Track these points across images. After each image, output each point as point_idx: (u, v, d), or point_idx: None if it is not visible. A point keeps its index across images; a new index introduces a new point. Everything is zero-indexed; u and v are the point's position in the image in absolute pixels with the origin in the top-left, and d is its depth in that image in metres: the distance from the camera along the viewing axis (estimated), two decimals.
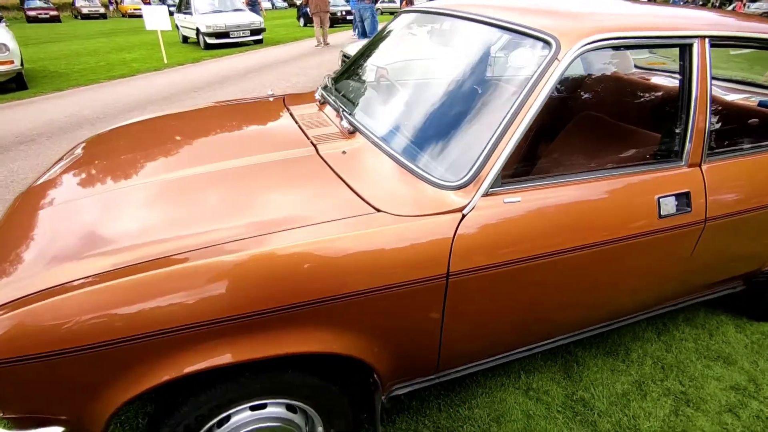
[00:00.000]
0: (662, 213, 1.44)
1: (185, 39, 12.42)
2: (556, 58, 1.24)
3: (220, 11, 11.38)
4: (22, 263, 1.10)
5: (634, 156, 1.59)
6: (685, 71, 1.48)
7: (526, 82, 1.25)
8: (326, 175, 1.36)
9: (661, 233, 1.46)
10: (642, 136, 1.66)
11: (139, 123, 2.02)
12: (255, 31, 11.54)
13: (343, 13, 16.94)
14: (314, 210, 1.19)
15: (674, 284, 1.71)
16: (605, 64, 2.30)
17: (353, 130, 1.58)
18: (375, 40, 2.31)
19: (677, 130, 1.50)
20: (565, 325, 1.59)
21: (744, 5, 19.09)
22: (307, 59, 9.55)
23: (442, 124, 1.43)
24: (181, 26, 12.29)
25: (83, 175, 1.53)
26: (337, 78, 2.25)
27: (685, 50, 1.46)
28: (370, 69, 2.07)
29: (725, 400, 1.81)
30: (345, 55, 4.87)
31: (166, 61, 9.10)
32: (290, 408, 1.26)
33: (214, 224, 1.14)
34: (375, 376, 1.25)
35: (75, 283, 0.98)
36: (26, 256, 1.13)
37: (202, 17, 10.99)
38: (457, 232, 1.17)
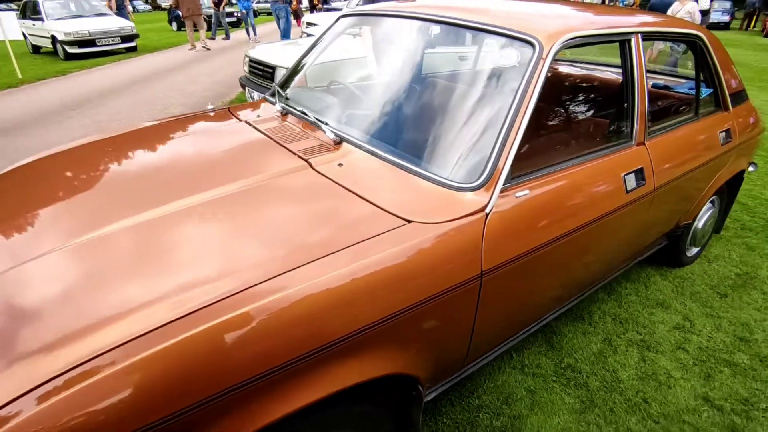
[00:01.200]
0: (628, 188, 1.64)
1: (36, 49, 10.79)
2: (542, 57, 1.34)
3: (80, 16, 10.07)
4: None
5: (599, 141, 1.77)
6: (626, 63, 1.68)
7: (520, 81, 1.33)
8: (335, 191, 1.31)
9: (628, 206, 1.65)
10: (599, 124, 1.86)
11: (65, 153, 1.72)
12: (126, 38, 10.42)
13: (237, 14, 16.03)
14: (345, 230, 1.14)
15: (631, 249, 1.95)
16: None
17: (339, 141, 1.53)
18: (320, 43, 2.25)
19: (626, 115, 1.71)
20: (559, 301, 1.73)
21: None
22: (195, 66, 8.87)
23: (444, 128, 1.46)
24: (30, 34, 10.63)
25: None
26: (284, 85, 2.16)
27: (625, 45, 1.66)
28: (327, 75, 2.01)
29: (673, 339, 2.12)
30: (253, 61, 4.63)
31: (20, 76, 7.83)
32: None
33: (258, 263, 1.03)
34: (419, 387, 1.25)
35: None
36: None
37: (58, 23, 9.62)
38: (485, 231, 1.21)
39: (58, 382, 0.78)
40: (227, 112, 2.07)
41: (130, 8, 13.70)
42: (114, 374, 0.80)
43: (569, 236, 1.42)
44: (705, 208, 2.45)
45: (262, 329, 0.91)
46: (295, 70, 2.26)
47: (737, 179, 2.55)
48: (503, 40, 1.42)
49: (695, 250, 2.66)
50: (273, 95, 2.11)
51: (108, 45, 10.01)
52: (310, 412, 1.05)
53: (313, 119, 1.68)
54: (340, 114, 1.74)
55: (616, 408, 1.76)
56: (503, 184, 1.27)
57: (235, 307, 0.91)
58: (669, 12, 7.29)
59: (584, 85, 2.54)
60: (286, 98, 2.00)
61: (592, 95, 2.44)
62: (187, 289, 0.96)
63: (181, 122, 1.99)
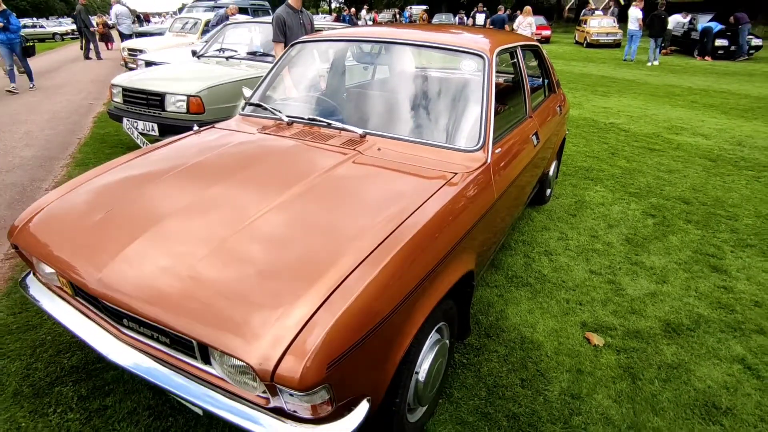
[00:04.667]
0: (534, 144, 2.54)
1: None
2: (490, 63, 2.11)
3: None
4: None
5: (518, 117, 2.59)
6: (517, 65, 2.59)
7: (483, 79, 2.07)
8: (390, 167, 1.84)
9: (535, 156, 2.56)
10: (514, 105, 2.71)
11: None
12: None
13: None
14: (419, 187, 1.69)
15: (534, 187, 2.91)
16: None
17: (364, 135, 2.05)
18: (279, 64, 2.65)
19: (523, 98, 2.62)
20: (512, 219, 2.54)
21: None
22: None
23: (442, 114, 2.11)
24: None
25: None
26: (258, 100, 2.48)
27: (515, 53, 2.57)
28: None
29: (560, 245, 3.17)
30: (131, 90, 4.48)
31: None
32: (438, 330, 1.75)
33: (378, 219, 1.48)
34: (473, 281, 1.87)
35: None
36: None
37: None
38: (492, 173, 1.92)
39: (344, 288, 1.20)
40: (221, 128, 2.34)
41: None
42: (371, 282, 1.24)
43: (520, 175, 2.23)
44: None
45: (417, 249, 1.42)
46: (265, 88, 2.60)
47: (563, 142, 3.81)
48: (463, 54, 2.16)
49: (548, 191, 3.86)
50: (251, 109, 2.45)
51: None
52: (436, 308, 1.60)
53: (325, 122, 2.15)
54: (350, 115, 2.24)
55: (548, 289, 2.67)
56: (491, 146, 1.99)
57: (400, 240, 1.40)
58: (516, 24, 10.60)
59: (501, 83, 3.47)
60: (276, 110, 2.36)
61: (504, 89, 3.40)
62: (361, 235, 1.41)
63: (223, 148, 2.09)
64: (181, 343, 1.28)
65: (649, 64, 13.44)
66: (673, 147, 5.46)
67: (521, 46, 2.65)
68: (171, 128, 4.34)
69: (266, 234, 1.43)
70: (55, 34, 28.30)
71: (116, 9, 13.51)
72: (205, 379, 1.29)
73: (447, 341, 1.78)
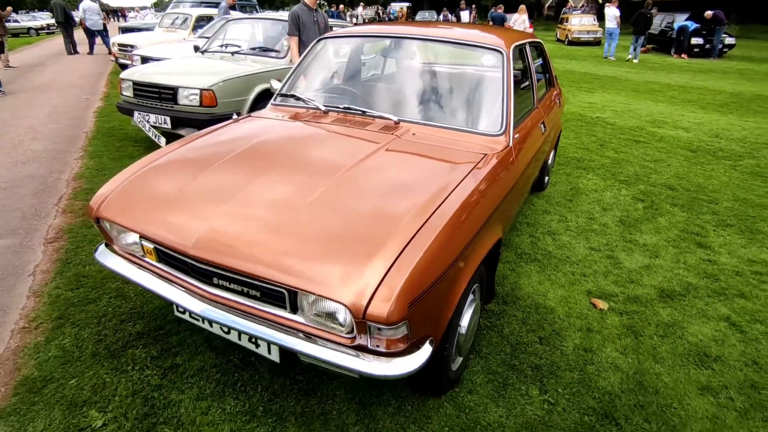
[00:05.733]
0: (543, 131, 2.81)
1: None
2: (508, 58, 2.36)
3: None
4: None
5: (528, 107, 2.85)
6: (525, 61, 2.85)
7: (502, 72, 2.32)
8: (428, 149, 2.08)
9: (543, 143, 2.83)
10: (527, 94, 2.97)
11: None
12: None
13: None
14: (458, 164, 1.94)
15: (539, 171, 3.18)
16: None
17: (398, 121, 2.29)
18: (306, 59, 2.85)
19: (531, 91, 2.88)
20: (523, 200, 2.81)
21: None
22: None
23: (467, 103, 2.36)
24: None
25: None
26: (290, 91, 2.69)
27: (524, 49, 2.83)
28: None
29: (561, 226, 3.46)
30: (141, 84, 4.60)
31: None
32: (473, 291, 1.99)
33: (428, 192, 1.72)
34: (500, 247, 2.13)
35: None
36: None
37: None
38: (513, 154, 2.18)
39: (408, 251, 1.43)
40: (260, 117, 2.54)
41: None
42: (433, 241, 1.48)
43: (533, 157, 2.50)
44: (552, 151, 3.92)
45: (462, 218, 1.66)
46: (290, 80, 2.80)
47: (559, 133, 4.11)
48: (485, 50, 2.41)
49: (546, 178, 4.15)
50: (282, 99, 2.66)
51: None
52: (476, 269, 1.84)
53: (360, 111, 2.37)
54: (381, 104, 2.46)
55: (554, 264, 2.95)
56: (512, 130, 2.25)
57: (450, 210, 1.64)
58: (511, 20, 11.64)
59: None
60: (311, 100, 2.56)
61: (516, 81, 3.67)
62: (417, 203, 1.64)
63: (286, 132, 2.30)
64: (270, 295, 1.50)
65: (630, 57, 13.97)
66: (657, 139, 5.83)
67: (529, 42, 2.92)
68: (183, 121, 4.49)
69: (337, 202, 1.65)
70: (30, 28, 27.58)
71: (84, 4, 13.36)
72: (291, 327, 1.51)
73: (479, 301, 2.03)
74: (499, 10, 13.48)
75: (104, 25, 14.29)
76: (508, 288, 2.67)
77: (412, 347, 1.46)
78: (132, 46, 9.33)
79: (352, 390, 1.92)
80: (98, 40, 14.16)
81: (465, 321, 1.85)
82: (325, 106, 2.49)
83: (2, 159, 4.50)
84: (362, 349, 1.43)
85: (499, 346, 2.21)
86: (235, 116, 2.62)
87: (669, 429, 1.79)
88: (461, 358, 1.95)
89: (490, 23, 14.36)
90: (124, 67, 9.98)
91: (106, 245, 1.97)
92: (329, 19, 5.22)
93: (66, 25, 14.06)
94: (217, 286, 1.60)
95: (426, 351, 1.48)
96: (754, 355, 2.19)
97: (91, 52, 13.88)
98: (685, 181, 4.43)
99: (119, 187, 1.88)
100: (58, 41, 15.62)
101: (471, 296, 1.91)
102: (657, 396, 1.95)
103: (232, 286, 1.56)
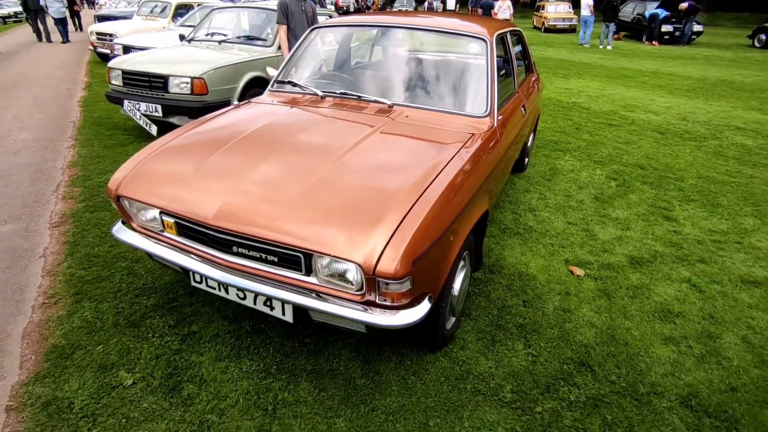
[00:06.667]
0: (523, 114, 3.03)
1: None
2: (491, 46, 2.56)
3: None
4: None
5: (508, 89, 3.05)
6: (506, 48, 3.05)
7: (486, 59, 2.51)
8: (421, 129, 2.27)
9: (524, 125, 3.05)
10: (508, 80, 3.17)
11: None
12: None
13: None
14: (448, 143, 2.14)
15: (520, 154, 3.41)
16: None
17: (392, 105, 2.46)
18: (301, 48, 3.00)
19: (512, 76, 3.09)
20: (505, 180, 3.03)
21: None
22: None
23: (454, 87, 2.55)
24: None
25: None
26: (287, 78, 2.84)
27: (505, 38, 3.03)
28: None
29: (541, 203, 3.70)
30: (131, 73, 4.64)
31: None
32: (464, 258, 2.21)
33: (425, 167, 1.93)
34: (487, 219, 2.34)
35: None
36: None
37: None
38: (497, 133, 2.38)
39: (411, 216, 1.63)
40: (260, 102, 2.68)
41: None
42: (431, 209, 1.67)
43: (515, 137, 2.71)
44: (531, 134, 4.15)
45: (455, 188, 1.86)
46: (286, 67, 2.95)
47: (538, 116, 4.35)
48: (471, 38, 2.60)
49: (526, 160, 4.39)
50: (279, 86, 2.80)
51: None
52: (467, 236, 2.05)
53: (356, 95, 2.54)
54: (374, 89, 2.63)
55: (535, 237, 3.19)
56: (496, 112, 2.45)
57: (444, 181, 1.84)
58: (496, 7, 12.46)
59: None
60: (309, 86, 2.72)
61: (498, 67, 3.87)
62: (415, 176, 1.84)
63: (284, 114, 2.48)
64: (287, 259, 1.68)
65: (601, 46, 14.37)
66: (629, 122, 6.14)
67: (509, 31, 3.12)
68: (174, 109, 4.57)
69: (343, 177, 1.83)
70: None
71: None
72: (304, 288, 1.69)
73: (469, 267, 2.25)
74: None
75: (77, 12, 13.97)
76: (494, 259, 2.90)
77: (414, 302, 1.66)
78: (111, 35, 9.21)
79: (356, 349, 2.12)
80: (71, 27, 13.85)
81: (457, 284, 2.06)
82: (323, 91, 2.65)
83: None
84: (370, 304, 1.63)
85: (486, 309, 2.44)
86: (235, 102, 2.76)
87: (637, 372, 2.05)
88: (454, 318, 2.17)
89: (480, 11, 14.75)
90: (102, 56, 9.88)
91: (123, 222, 2.11)
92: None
93: (38, 12, 13.70)
94: (237, 254, 1.77)
95: (425, 306, 1.69)
96: (711, 311, 2.47)
97: (65, 40, 13.57)
98: (654, 161, 4.73)
99: (136, 167, 2.02)
100: (27, 30, 15.20)
101: (462, 262, 2.12)
102: (626, 347, 2.21)
103: (251, 253, 1.73)
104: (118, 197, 1.98)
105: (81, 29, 16.46)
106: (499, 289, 2.60)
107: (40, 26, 13.82)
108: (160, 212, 1.88)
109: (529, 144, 4.19)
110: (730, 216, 3.56)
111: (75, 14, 16.60)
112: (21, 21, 24.27)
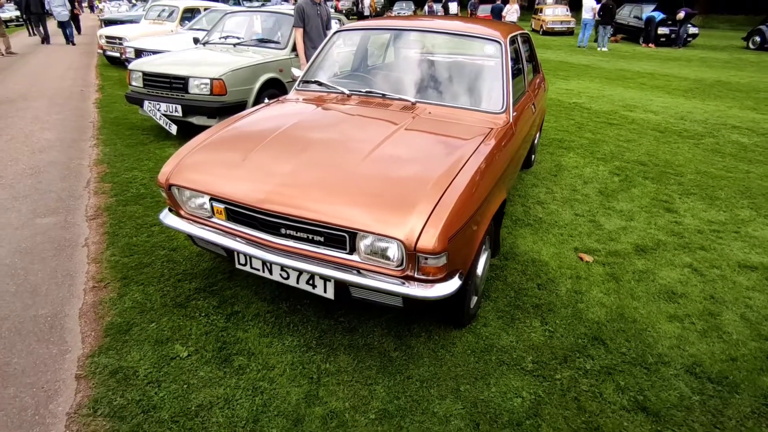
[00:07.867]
0: (533, 111, 3.22)
1: None
2: (506, 47, 2.75)
3: None
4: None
5: (519, 88, 3.25)
6: (517, 50, 3.25)
7: (503, 59, 2.71)
8: (442, 125, 2.45)
9: (534, 121, 3.24)
10: (519, 79, 3.36)
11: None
12: None
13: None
14: (470, 136, 2.32)
15: (529, 149, 3.60)
16: None
17: (414, 103, 2.65)
18: (325, 49, 3.18)
19: (524, 75, 3.28)
20: (517, 173, 3.22)
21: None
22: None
23: (472, 86, 2.74)
24: None
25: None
26: (313, 78, 3.03)
27: (516, 41, 3.22)
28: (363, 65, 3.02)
29: (549, 197, 3.89)
30: (152, 75, 4.81)
31: None
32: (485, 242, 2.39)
33: (452, 157, 2.12)
34: (505, 206, 2.52)
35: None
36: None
37: None
38: (513, 129, 2.57)
39: (444, 201, 1.81)
40: (290, 100, 2.87)
41: None
42: (462, 192, 1.86)
43: (527, 132, 2.90)
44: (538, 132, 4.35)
45: (480, 176, 2.05)
46: (311, 68, 3.13)
47: (543, 115, 4.55)
48: (487, 41, 2.79)
49: (533, 156, 4.58)
50: (304, 85, 2.99)
51: None
52: (490, 222, 2.23)
53: (381, 94, 2.73)
54: (397, 88, 2.82)
55: (545, 227, 3.38)
56: (511, 109, 2.64)
57: (470, 170, 2.02)
58: (504, 10, 13.23)
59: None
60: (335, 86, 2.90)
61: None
62: (444, 166, 2.02)
63: (313, 113, 2.64)
64: (332, 239, 1.85)
65: (599, 49, 14.63)
66: (629, 122, 6.36)
67: (519, 34, 3.32)
68: (194, 109, 4.75)
69: (379, 166, 2.02)
70: None
71: None
72: (347, 266, 1.87)
73: (489, 250, 2.44)
74: (498, 2, 14.81)
75: (77, 16, 14.13)
76: (508, 247, 3.09)
77: (447, 276, 1.84)
78: (120, 39, 9.39)
79: (388, 326, 2.30)
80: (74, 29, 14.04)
81: (480, 265, 2.25)
82: (350, 90, 2.83)
83: (19, 147, 4.68)
84: (409, 278, 1.81)
85: (504, 291, 2.62)
86: (266, 100, 2.94)
87: (645, 345, 2.24)
88: (476, 298, 2.35)
89: (478, 13, 15.32)
90: (111, 59, 10.06)
91: (170, 210, 2.29)
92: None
93: (41, 15, 13.88)
94: (284, 236, 1.95)
95: (456, 281, 1.87)
96: (711, 292, 2.66)
97: (68, 42, 13.74)
98: (655, 157, 4.94)
99: (183, 160, 2.20)
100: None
101: (484, 246, 2.31)
102: (635, 323, 2.39)
103: (298, 234, 1.91)
104: (170, 186, 2.16)
105: (80, 32, 16.66)
106: (515, 274, 2.79)
107: (41, 29, 13.99)
108: (211, 199, 2.06)
109: (535, 141, 4.38)
110: (728, 208, 3.77)
111: (74, 18, 16.79)
112: (22, 25, 24.42)
